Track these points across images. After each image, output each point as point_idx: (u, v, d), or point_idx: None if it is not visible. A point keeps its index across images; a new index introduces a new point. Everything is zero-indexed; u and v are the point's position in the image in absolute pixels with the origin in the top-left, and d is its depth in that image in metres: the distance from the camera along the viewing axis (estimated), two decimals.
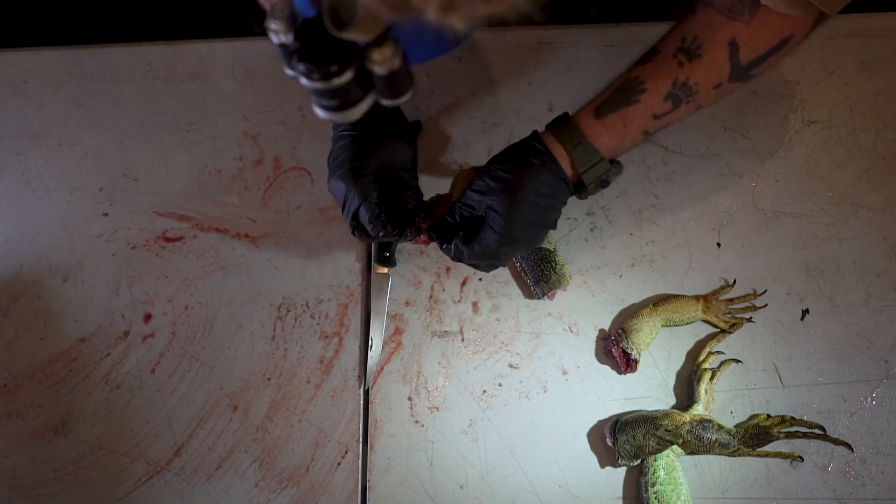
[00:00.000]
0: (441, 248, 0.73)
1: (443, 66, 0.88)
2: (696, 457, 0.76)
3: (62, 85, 0.92)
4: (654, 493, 0.73)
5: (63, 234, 0.87)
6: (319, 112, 0.48)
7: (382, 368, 0.81)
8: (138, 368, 0.82)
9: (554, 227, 0.71)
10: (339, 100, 0.46)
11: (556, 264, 0.80)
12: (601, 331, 0.81)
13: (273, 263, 0.85)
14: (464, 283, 0.83)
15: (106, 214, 0.88)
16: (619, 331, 0.79)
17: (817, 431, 0.76)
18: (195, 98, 0.91)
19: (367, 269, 0.84)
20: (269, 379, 0.82)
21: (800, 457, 0.75)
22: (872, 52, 0.88)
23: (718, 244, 0.83)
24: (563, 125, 0.70)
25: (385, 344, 0.82)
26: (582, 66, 0.89)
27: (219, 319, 0.84)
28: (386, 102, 0.48)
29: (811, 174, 0.85)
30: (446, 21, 0.36)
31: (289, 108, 0.89)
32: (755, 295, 0.81)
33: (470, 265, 0.72)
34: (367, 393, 0.81)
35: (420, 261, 0.84)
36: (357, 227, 0.72)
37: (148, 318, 0.84)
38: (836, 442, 0.76)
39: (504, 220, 0.68)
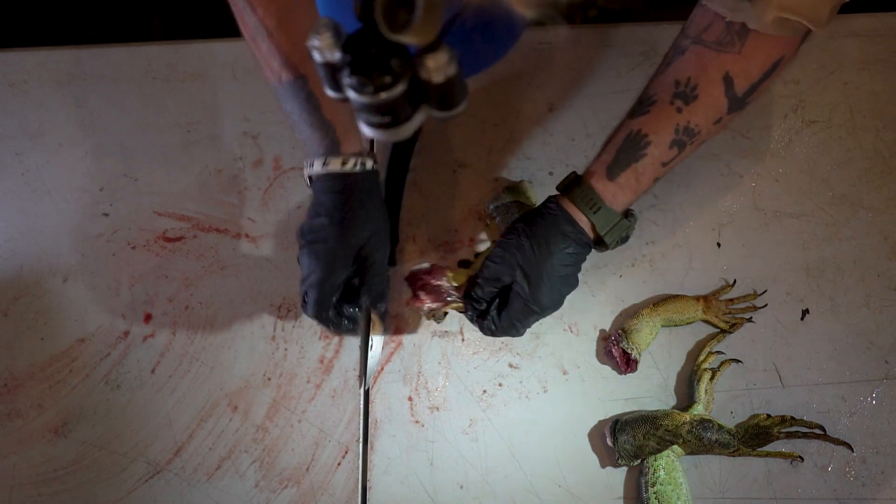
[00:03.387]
0: (472, 321, 0.74)
1: None
2: (696, 457, 0.76)
3: (62, 85, 0.92)
4: (655, 492, 0.73)
5: (63, 235, 0.87)
6: (368, 131, 0.46)
7: (382, 368, 0.81)
8: (138, 368, 0.82)
9: (576, 285, 0.72)
10: (391, 115, 0.44)
11: None
12: (601, 331, 0.81)
13: (273, 263, 0.85)
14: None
15: (106, 214, 0.88)
16: (620, 331, 0.79)
17: (817, 431, 0.76)
18: (195, 98, 0.91)
19: None
20: (269, 379, 0.82)
21: (800, 457, 0.75)
22: (872, 52, 0.88)
23: (718, 244, 0.83)
24: (577, 188, 0.70)
25: (385, 344, 0.82)
26: (582, 66, 0.89)
27: (219, 319, 0.84)
28: (439, 115, 0.46)
29: (811, 174, 0.85)
30: (523, 8, 0.35)
31: None
32: (755, 295, 0.81)
33: (508, 335, 0.72)
34: (367, 393, 0.81)
35: (420, 261, 0.84)
36: (304, 303, 0.72)
37: (148, 318, 0.84)
38: (837, 442, 0.76)
39: (533, 292, 0.69)
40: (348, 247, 0.71)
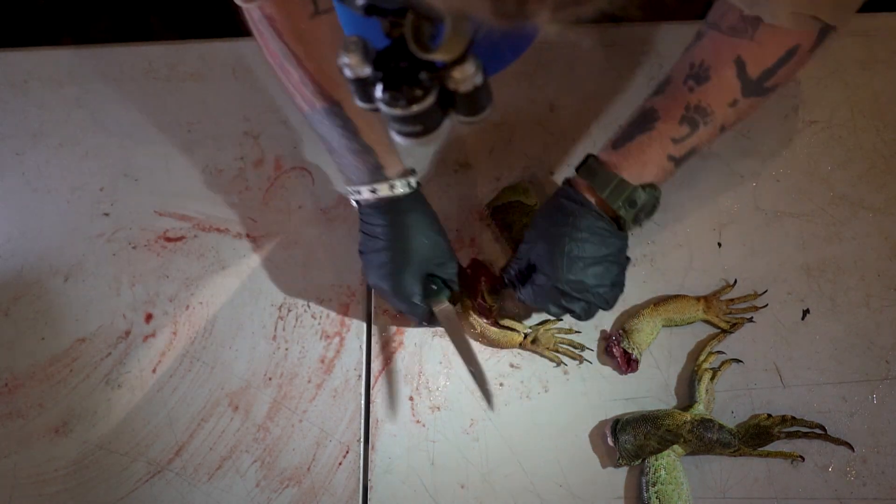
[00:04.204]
0: (518, 298, 0.77)
1: None
2: (697, 457, 0.76)
3: (63, 85, 0.92)
4: (656, 492, 0.73)
5: (64, 234, 0.87)
6: (400, 139, 0.47)
7: (384, 368, 0.81)
8: (139, 368, 0.82)
9: (620, 262, 0.73)
10: (422, 125, 0.45)
11: None
12: (602, 331, 0.81)
13: (274, 263, 0.85)
14: None
15: (107, 214, 0.88)
16: (620, 331, 0.79)
17: (818, 431, 0.76)
18: (196, 98, 0.91)
19: None
20: (270, 379, 0.82)
21: (800, 456, 0.75)
22: (873, 52, 0.88)
23: (719, 244, 0.83)
24: (584, 163, 0.72)
25: (386, 343, 0.82)
26: (582, 66, 0.89)
27: (220, 319, 0.84)
28: (466, 120, 0.47)
29: (812, 174, 0.85)
30: (548, 26, 0.36)
31: (290, 108, 0.89)
32: (756, 295, 0.81)
33: (545, 310, 0.75)
34: (368, 392, 0.81)
35: None
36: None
37: (149, 317, 0.84)
38: (837, 442, 0.76)
39: (549, 261, 0.71)
40: (413, 273, 0.74)
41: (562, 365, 0.80)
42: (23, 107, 0.92)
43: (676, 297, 0.80)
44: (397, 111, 0.44)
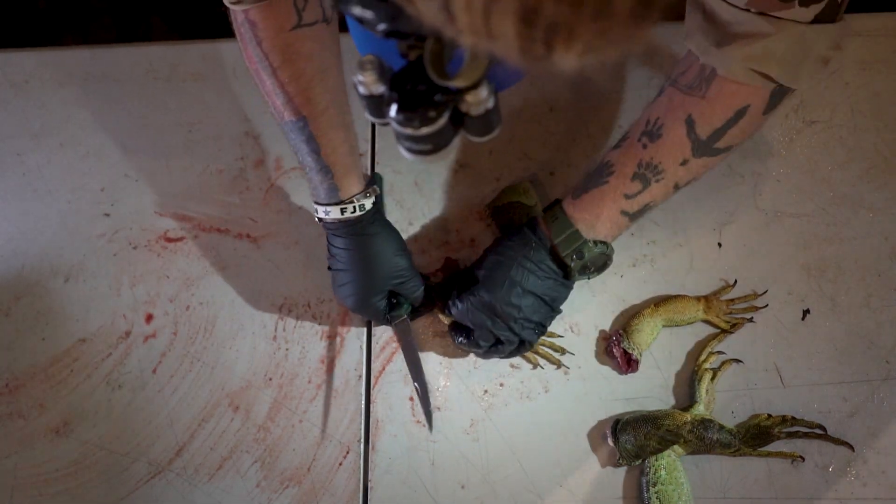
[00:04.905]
0: (447, 312, 0.78)
1: None
2: (697, 457, 0.76)
3: (64, 85, 0.92)
4: (656, 492, 0.73)
5: (64, 235, 0.87)
6: (409, 155, 0.48)
7: (384, 368, 0.81)
8: (140, 368, 0.82)
9: (552, 307, 0.75)
10: (433, 144, 0.46)
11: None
12: (602, 331, 0.81)
13: (274, 263, 0.85)
14: None
15: (107, 215, 0.88)
16: (620, 331, 0.79)
17: (818, 431, 0.76)
18: (197, 98, 0.91)
19: None
20: (270, 379, 0.82)
21: (801, 457, 0.75)
22: (873, 52, 0.88)
23: (719, 244, 0.83)
24: (550, 207, 0.76)
25: (386, 343, 0.82)
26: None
27: (220, 319, 0.84)
28: (475, 139, 0.49)
29: (812, 174, 0.85)
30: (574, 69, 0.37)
31: None
32: (756, 295, 0.81)
33: (472, 326, 0.76)
34: (368, 393, 0.81)
35: (419, 261, 0.84)
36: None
37: (149, 318, 0.84)
38: (837, 442, 0.76)
39: (491, 275, 0.73)
40: (376, 293, 0.76)
41: (558, 367, 0.80)
42: (24, 107, 0.92)
43: (676, 297, 0.80)
44: (409, 131, 0.44)
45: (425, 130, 0.44)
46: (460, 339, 0.77)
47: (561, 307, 0.76)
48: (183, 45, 0.93)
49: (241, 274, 0.85)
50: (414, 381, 0.79)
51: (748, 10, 0.60)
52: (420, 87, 0.43)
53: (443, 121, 0.44)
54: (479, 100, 0.44)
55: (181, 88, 0.92)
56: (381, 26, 0.41)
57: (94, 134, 0.90)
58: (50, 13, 1.40)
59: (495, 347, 0.75)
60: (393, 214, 0.85)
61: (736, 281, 0.81)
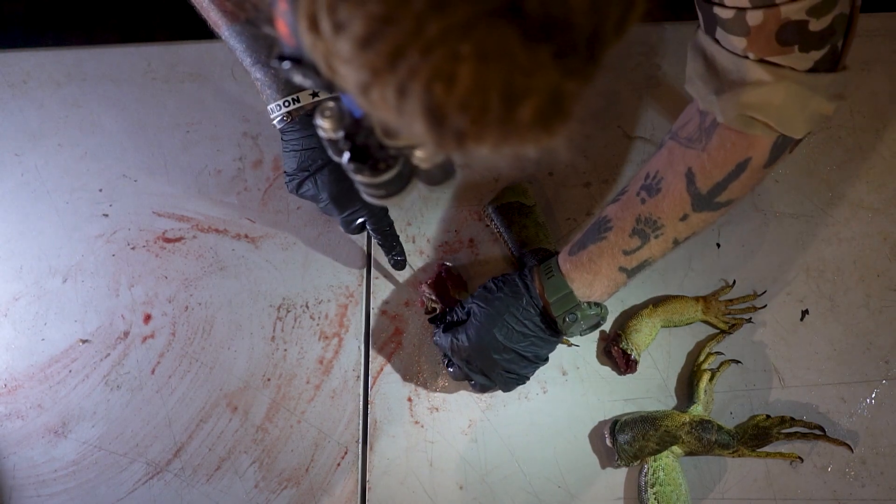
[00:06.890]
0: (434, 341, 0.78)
1: None
2: (695, 457, 0.76)
3: (62, 85, 0.92)
4: (654, 493, 0.73)
5: (63, 235, 0.87)
6: (366, 197, 0.51)
7: (382, 369, 0.81)
8: (138, 369, 0.82)
9: (534, 361, 0.74)
10: (385, 190, 0.49)
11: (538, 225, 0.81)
12: (601, 332, 0.81)
13: (272, 264, 0.85)
14: None
15: (106, 215, 0.88)
16: (619, 331, 0.79)
17: (817, 432, 0.76)
18: (195, 99, 0.91)
19: (368, 272, 0.84)
20: (268, 379, 0.82)
21: (799, 457, 0.75)
22: (873, 52, 0.88)
23: (718, 245, 0.83)
24: (545, 260, 0.75)
25: (384, 344, 0.82)
26: None
27: (218, 320, 0.84)
28: (429, 188, 0.52)
29: (811, 174, 0.85)
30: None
31: None
32: (755, 295, 0.81)
33: (449, 355, 0.76)
34: (366, 394, 0.81)
35: (419, 261, 0.84)
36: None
37: (148, 318, 0.84)
38: (836, 442, 0.76)
39: (476, 323, 0.73)
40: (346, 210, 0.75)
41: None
42: (22, 107, 0.92)
43: (675, 297, 0.80)
44: (360, 178, 0.48)
45: (376, 180, 0.47)
46: (446, 362, 0.78)
47: (548, 356, 0.76)
48: (181, 45, 0.93)
49: (240, 274, 0.85)
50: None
51: (747, 57, 0.59)
52: (371, 141, 0.46)
53: (393, 172, 0.47)
54: (427, 156, 0.46)
55: (179, 89, 0.91)
56: (345, 158, 0.46)
57: (92, 134, 0.90)
58: (48, 13, 1.39)
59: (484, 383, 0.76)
60: (391, 214, 0.85)
61: (735, 281, 0.81)
